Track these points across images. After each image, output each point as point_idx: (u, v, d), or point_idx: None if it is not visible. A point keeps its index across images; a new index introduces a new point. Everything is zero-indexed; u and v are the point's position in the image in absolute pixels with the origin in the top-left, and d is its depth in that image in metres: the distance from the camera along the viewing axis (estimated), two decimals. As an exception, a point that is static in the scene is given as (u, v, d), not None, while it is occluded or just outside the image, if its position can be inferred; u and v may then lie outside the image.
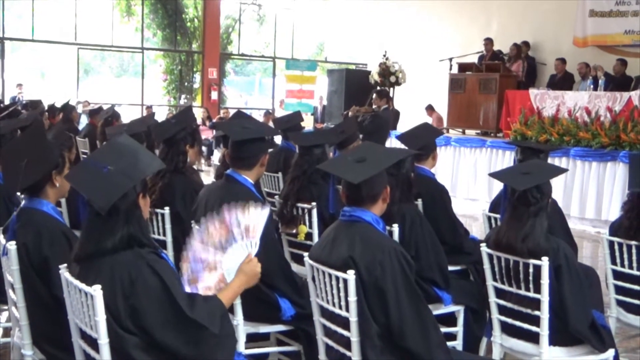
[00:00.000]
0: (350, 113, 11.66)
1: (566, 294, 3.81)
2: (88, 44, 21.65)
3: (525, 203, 3.81)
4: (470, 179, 12.92)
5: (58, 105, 11.87)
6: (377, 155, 3.50)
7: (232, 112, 16.13)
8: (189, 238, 3.20)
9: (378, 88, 14.81)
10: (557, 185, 10.65)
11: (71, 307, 2.94)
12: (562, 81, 13.98)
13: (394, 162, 3.76)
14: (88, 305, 2.76)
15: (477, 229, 9.59)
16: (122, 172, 2.78)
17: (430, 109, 17.50)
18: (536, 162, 4.16)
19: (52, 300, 3.27)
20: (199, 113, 20.00)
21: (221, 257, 3.16)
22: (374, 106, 11.75)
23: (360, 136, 11.89)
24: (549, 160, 9.36)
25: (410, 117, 14.46)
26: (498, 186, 5.67)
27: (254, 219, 3.20)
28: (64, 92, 19.49)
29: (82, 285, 2.76)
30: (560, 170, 4.22)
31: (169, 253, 4.82)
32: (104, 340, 2.72)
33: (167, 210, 4.88)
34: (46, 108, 11.82)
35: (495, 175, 4.10)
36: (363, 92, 15.65)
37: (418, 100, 17.42)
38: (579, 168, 11.03)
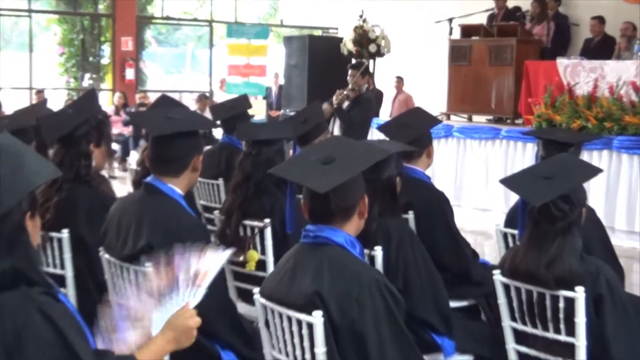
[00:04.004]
0: (334, 99, 11.61)
1: (610, 333, 3.84)
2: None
3: (549, 218, 3.84)
4: (479, 183, 12.97)
5: None
6: (351, 154, 3.51)
7: (154, 97, 16.06)
8: (119, 275, 3.18)
9: (353, 61, 14.82)
10: (596, 189, 10.71)
11: None
12: (601, 47, 14.08)
13: (375, 162, 3.78)
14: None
15: (491, 250, 9.62)
16: (0, 184, 2.76)
17: (399, 81, 17.64)
18: (562, 160, 4.18)
19: None
20: (109, 98, 19.89)
21: (153, 307, 3.15)
22: (351, 86, 11.76)
23: (333, 127, 12.04)
24: (585, 156, 9.41)
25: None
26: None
27: (208, 263, 3.19)
28: None
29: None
30: (594, 171, 4.26)
31: (69, 292, 4.78)
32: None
33: (65, 233, 4.84)
34: None
35: (507, 182, 4.13)
36: (334, 66, 15.69)
37: (407, 76, 17.50)
38: (625, 164, 11.10)
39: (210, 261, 3.19)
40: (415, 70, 17.53)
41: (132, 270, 4.14)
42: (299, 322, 3.28)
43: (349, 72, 12.00)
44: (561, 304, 3.83)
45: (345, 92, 11.63)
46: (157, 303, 3.13)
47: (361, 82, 11.76)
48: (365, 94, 11.81)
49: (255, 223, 5.11)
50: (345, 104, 11.54)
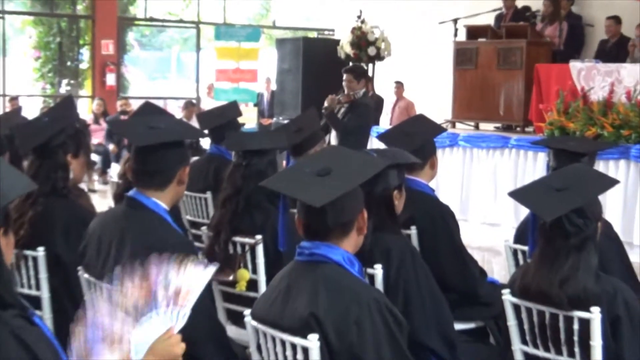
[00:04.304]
0: (326, 104, 11.54)
1: (628, 358, 3.84)
2: None
3: (562, 234, 3.85)
4: (487, 195, 12.97)
5: None
6: (349, 165, 3.52)
7: (136, 104, 16.06)
8: (95, 292, 3.17)
9: (351, 64, 14.81)
10: (612, 201, 10.73)
11: None
12: (617, 49, 14.11)
13: (375, 174, 3.78)
14: None
15: (500, 268, 9.64)
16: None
17: (399, 86, 17.65)
18: (576, 171, 4.19)
19: None
20: (88, 106, 19.86)
21: (132, 327, 3.12)
22: (346, 91, 11.73)
23: (329, 137, 12.04)
24: (600, 166, 9.42)
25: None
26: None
27: (190, 281, 3.17)
28: None
29: None
30: (610, 183, 4.27)
31: (45, 315, 4.78)
32: None
33: (41, 251, 4.84)
34: None
35: (516, 195, 4.13)
36: (330, 71, 15.67)
37: (408, 81, 17.51)
38: (643, 175, 11.14)
39: (193, 278, 3.17)
40: (417, 75, 17.55)
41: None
42: (294, 347, 3.28)
43: (344, 76, 11.96)
44: (575, 326, 3.83)
45: (338, 97, 11.53)
46: (135, 322, 3.11)
47: (357, 87, 11.62)
48: (361, 99, 11.64)
49: (246, 240, 5.11)
50: (341, 111, 11.46)
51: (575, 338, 3.84)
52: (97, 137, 17.76)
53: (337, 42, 16.93)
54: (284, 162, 6.80)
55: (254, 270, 5.10)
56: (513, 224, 11.19)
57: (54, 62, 23.10)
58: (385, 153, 4.84)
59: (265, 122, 19.73)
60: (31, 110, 18.42)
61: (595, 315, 3.76)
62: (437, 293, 4.56)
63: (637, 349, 3.86)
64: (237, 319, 5.09)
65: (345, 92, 11.63)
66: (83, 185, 5.83)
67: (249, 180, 5.17)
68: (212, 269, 3.22)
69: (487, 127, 14.38)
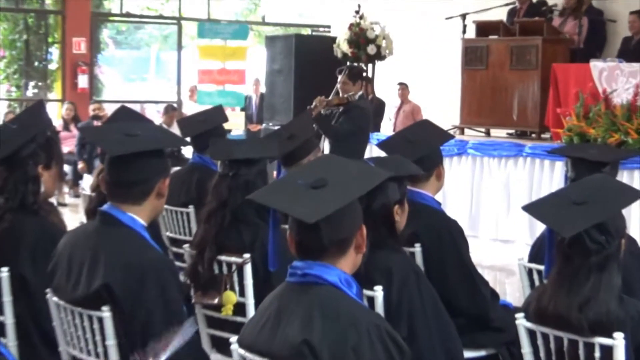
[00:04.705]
0: (313, 106, 11.43)
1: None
2: None
3: (582, 251, 3.85)
4: (499, 209, 12.99)
5: None
6: (347, 176, 3.51)
7: (111, 108, 16.05)
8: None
9: (348, 64, 14.82)
10: (637, 215, 10.74)
11: None
12: (641, 48, 14.15)
13: (375, 186, 3.78)
14: None
15: (513, 290, 9.63)
16: None
17: (404, 88, 17.66)
18: (597, 183, 4.19)
19: None
20: (58, 110, 19.85)
21: None
22: (341, 94, 11.69)
23: (324, 144, 12.02)
24: (624, 177, 9.41)
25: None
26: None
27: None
28: None
29: None
30: (635, 195, 4.27)
31: (10, 342, 4.76)
32: None
33: (5, 272, 4.83)
34: None
35: (531, 209, 4.13)
36: (326, 72, 15.64)
37: (412, 83, 17.52)
38: (671, 186, 11.16)
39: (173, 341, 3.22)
40: (422, 76, 17.55)
41: (86, 316, 4.13)
42: (285, 377, 3.27)
43: (338, 77, 11.91)
44: (597, 354, 3.83)
45: (329, 99, 11.40)
46: None
47: (352, 89, 11.52)
48: (357, 101, 11.52)
49: (233, 259, 5.12)
50: (335, 115, 11.36)
51: (597, 367, 3.85)
52: (67, 146, 17.72)
53: (333, 39, 16.98)
54: (275, 173, 6.81)
55: (242, 293, 5.10)
56: (528, 240, 11.22)
57: (20, 62, 23.13)
58: (385, 163, 4.83)
59: (254, 128, 19.74)
60: (-6, 116, 18.46)
61: (618, 341, 3.76)
62: (445, 317, 4.56)
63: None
64: (222, 347, 5.10)
65: (340, 95, 11.55)
66: (52, 199, 5.79)
67: (235, 192, 5.18)
68: (192, 329, 3.27)
69: (499, 133, 14.40)
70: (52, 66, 23.30)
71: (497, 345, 5.27)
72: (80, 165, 17.42)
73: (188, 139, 7.43)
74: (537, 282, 5.12)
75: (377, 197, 4.41)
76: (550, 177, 12.19)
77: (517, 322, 4.08)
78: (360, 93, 11.84)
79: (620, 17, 15.14)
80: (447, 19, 15.37)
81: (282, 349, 3.31)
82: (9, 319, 4.84)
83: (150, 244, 4.25)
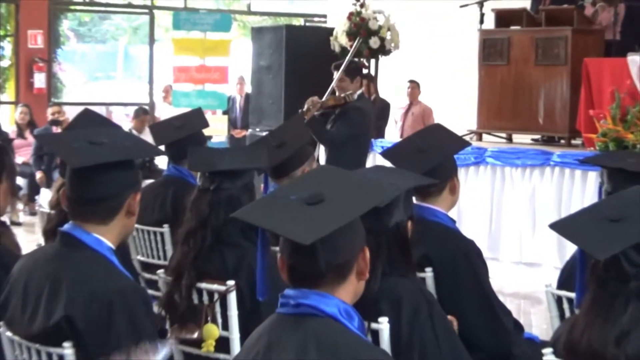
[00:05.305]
0: (305, 108, 11.39)
1: None
2: None
3: (619, 277, 3.85)
4: (523, 227, 13.00)
5: None
6: (347, 191, 3.53)
7: (73, 112, 16.07)
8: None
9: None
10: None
11: None
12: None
13: (380, 203, 3.79)
14: None
15: (540, 321, 9.66)
16: None
17: (414, 87, 17.64)
18: (636, 196, 4.19)
19: None
20: (11, 114, 19.89)
21: None
22: (337, 93, 11.69)
23: (319, 153, 12.02)
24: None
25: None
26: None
27: None
28: None
29: None
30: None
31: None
32: None
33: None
34: None
35: (560, 228, 4.14)
36: (321, 68, 15.67)
37: (421, 81, 17.54)
38: None
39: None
40: (433, 74, 17.62)
41: (45, 353, 4.13)
42: None
43: (333, 74, 11.91)
44: (637, 395, 3.84)
45: (323, 99, 11.39)
46: None
47: (350, 87, 11.54)
48: (356, 102, 11.55)
49: (215, 286, 5.13)
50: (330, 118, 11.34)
51: (637, 411, 3.86)
52: (22, 155, 17.77)
53: (329, 31, 16.98)
54: (262, 187, 6.82)
55: (225, 326, 5.11)
56: (556, 264, 11.27)
57: (-33, 59, 23.21)
58: (388, 174, 4.82)
59: (238, 134, 19.80)
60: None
61: (662, 380, 3.77)
62: (461, 352, 4.57)
63: None
64: (204, 388, 5.11)
65: (337, 94, 11.55)
66: (4, 218, 5.78)
67: (217, 209, 5.20)
68: (165, 351, 3.27)
69: (523, 139, 14.44)
70: (4, 63, 23.32)
71: (521, 384, 5.29)
72: (39, 175, 17.41)
73: (162, 148, 7.44)
74: (567, 312, 5.13)
75: (391, 213, 4.41)
76: (582, 190, 12.21)
77: (544, 358, 4.09)
78: (359, 92, 11.87)
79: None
80: (462, 6, 15.38)
81: (272, 390, 3.33)
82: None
83: (118, 269, 4.24)
